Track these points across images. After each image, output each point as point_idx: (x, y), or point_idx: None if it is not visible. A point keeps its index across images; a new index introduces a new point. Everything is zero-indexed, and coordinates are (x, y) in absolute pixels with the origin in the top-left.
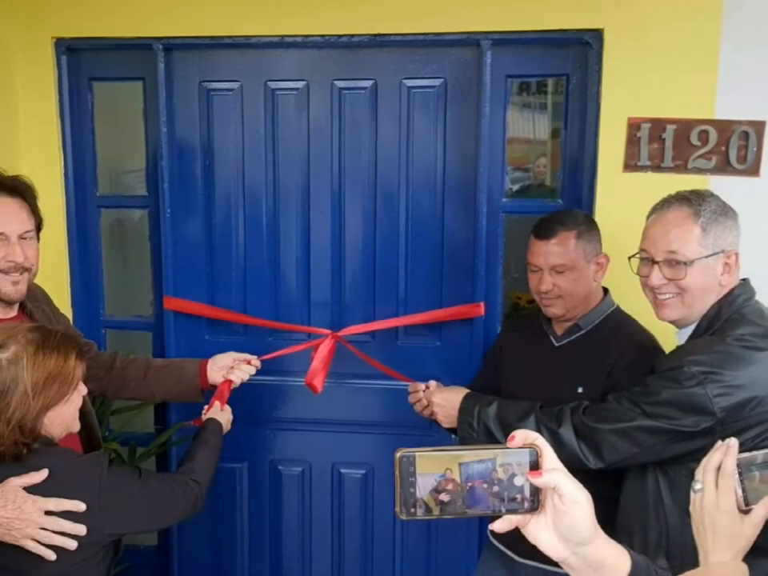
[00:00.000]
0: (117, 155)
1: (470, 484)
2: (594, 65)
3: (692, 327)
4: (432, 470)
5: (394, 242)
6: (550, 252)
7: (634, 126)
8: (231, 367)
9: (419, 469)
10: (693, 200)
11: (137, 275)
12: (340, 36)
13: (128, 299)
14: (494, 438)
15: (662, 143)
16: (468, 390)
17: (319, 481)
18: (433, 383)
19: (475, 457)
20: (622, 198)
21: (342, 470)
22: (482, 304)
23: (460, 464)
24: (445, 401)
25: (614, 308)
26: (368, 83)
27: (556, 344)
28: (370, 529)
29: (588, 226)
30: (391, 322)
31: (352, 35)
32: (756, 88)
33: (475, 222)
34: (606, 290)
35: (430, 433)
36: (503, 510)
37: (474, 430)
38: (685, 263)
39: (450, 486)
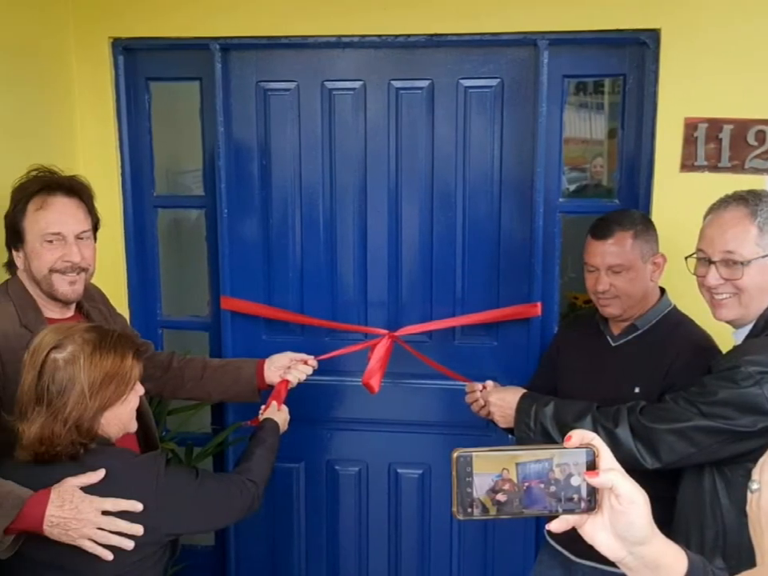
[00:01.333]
0: (173, 155)
1: (526, 484)
2: (651, 65)
3: (749, 327)
4: (489, 470)
5: (451, 242)
6: (607, 252)
7: (690, 125)
8: (288, 367)
9: (476, 469)
10: (750, 200)
11: (193, 275)
12: (397, 36)
13: (185, 299)
14: (550, 437)
15: (718, 143)
16: (525, 390)
17: (376, 481)
18: (490, 383)
19: (532, 457)
20: (679, 198)
21: (399, 470)
22: (538, 304)
23: (517, 464)
24: (501, 401)
25: (671, 308)
26: (425, 83)
27: (613, 344)
28: (426, 529)
29: (645, 226)
30: (448, 322)
31: (409, 35)
32: None
33: (532, 221)
34: (662, 290)
35: (487, 433)
36: (560, 510)
37: (530, 430)
38: (742, 263)
39: (506, 486)
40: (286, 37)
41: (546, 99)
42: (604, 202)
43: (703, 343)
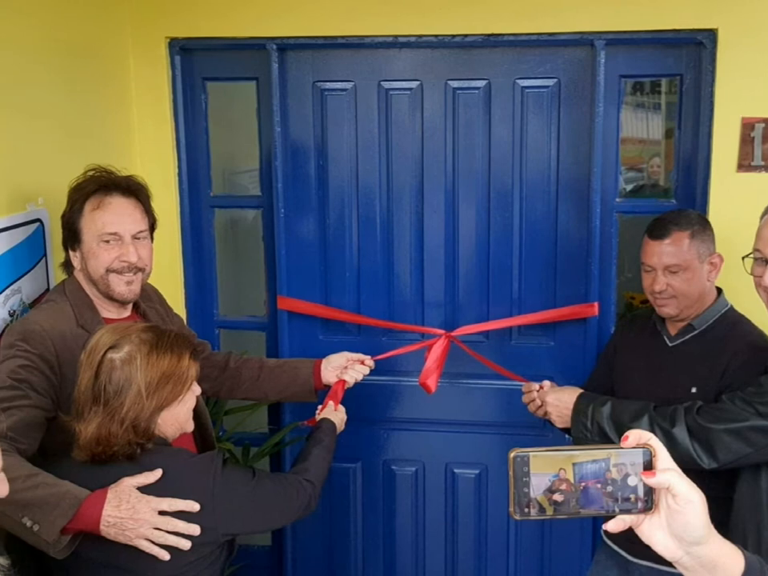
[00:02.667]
0: (230, 155)
1: (583, 484)
2: (708, 65)
3: None
4: (546, 469)
5: (508, 242)
6: (664, 252)
7: (747, 125)
8: (345, 367)
9: (533, 469)
10: None
11: (250, 275)
12: (453, 36)
13: (242, 299)
14: (607, 437)
15: None
16: (582, 390)
17: (432, 481)
18: (546, 383)
19: (589, 457)
20: (736, 198)
21: (456, 470)
22: (595, 304)
23: (573, 464)
24: (558, 401)
25: (728, 308)
26: (482, 83)
27: (670, 344)
28: (483, 529)
29: (702, 226)
30: (505, 322)
31: (465, 35)
32: None
33: (589, 222)
34: (719, 290)
35: (543, 433)
36: (617, 510)
37: (587, 430)
38: None
39: (563, 486)
40: (343, 37)
41: (602, 99)
42: (661, 202)
43: (760, 343)
